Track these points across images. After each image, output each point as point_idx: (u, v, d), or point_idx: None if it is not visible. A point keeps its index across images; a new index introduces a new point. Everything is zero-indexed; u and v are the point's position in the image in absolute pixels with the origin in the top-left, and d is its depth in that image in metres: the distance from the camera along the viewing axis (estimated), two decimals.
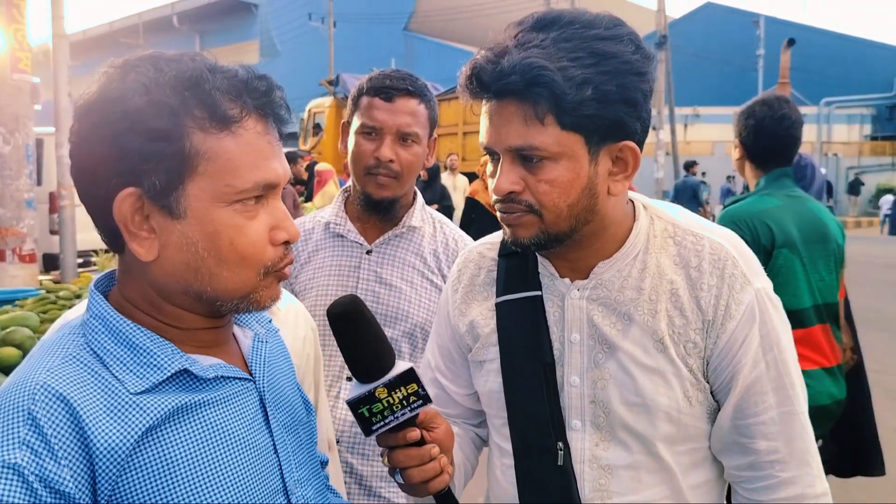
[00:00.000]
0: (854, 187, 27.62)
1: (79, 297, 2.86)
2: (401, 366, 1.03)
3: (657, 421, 1.16)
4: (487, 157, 1.18)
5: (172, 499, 0.86)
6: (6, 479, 0.77)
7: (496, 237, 1.36)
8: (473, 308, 1.33)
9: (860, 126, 34.70)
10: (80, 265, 7.44)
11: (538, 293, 1.25)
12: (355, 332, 1.02)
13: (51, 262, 7.95)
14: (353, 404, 1.01)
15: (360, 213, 1.92)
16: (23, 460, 0.78)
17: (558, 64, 1.04)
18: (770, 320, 1.15)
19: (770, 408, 1.14)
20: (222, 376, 0.95)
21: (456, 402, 1.41)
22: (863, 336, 8.40)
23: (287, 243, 0.94)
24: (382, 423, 1.02)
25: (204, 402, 0.92)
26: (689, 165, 13.41)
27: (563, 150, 1.08)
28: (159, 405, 0.88)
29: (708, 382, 1.17)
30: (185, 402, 0.90)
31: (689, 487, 1.20)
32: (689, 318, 1.15)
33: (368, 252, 1.90)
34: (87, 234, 8.07)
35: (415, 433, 1.05)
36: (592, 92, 1.04)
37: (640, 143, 1.14)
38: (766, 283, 1.19)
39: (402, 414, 1.02)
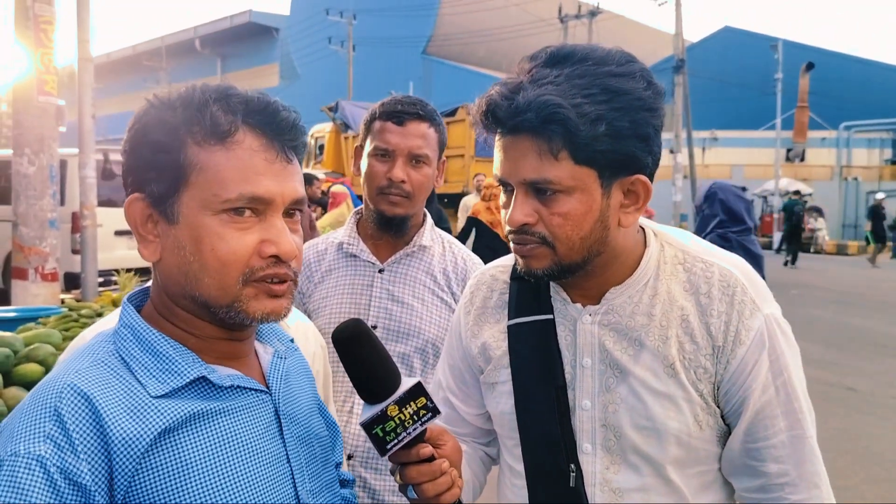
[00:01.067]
0: (875, 213, 27.35)
1: (100, 314, 2.90)
2: (408, 382, 1.04)
3: (667, 445, 1.17)
4: (492, 181, 1.21)
5: (185, 500, 0.90)
6: (30, 469, 0.84)
7: (508, 260, 1.36)
8: (486, 330, 1.35)
9: (880, 150, 34.41)
10: (101, 284, 7.54)
11: (550, 317, 1.26)
12: (361, 354, 1.03)
13: (72, 281, 8.06)
14: (367, 425, 1.02)
15: (372, 232, 1.98)
16: (46, 452, 0.84)
17: (572, 101, 1.06)
18: (779, 346, 1.17)
19: (780, 431, 1.16)
20: (239, 386, 1.00)
21: (466, 421, 1.42)
22: (884, 363, 8.32)
23: (277, 258, 0.97)
24: (396, 440, 1.03)
25: (220, 410, 0.97)
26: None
27: (577, 184, 1.10)
28: (177, 409, 0.93)
29: (718, 407, 1.18)
30: (202, 409, 0.95)
31: None
32: (699, 344, 1.17)
33: (381, 271, 1.95)
34: (108, 254, 8.20)
35: (427, 449, 1.06)
36: (606, 128, 1.06)
37: (651, 176, 1.16)
38: (775, 310, 1.20)
39: (414, 429, 1.03)
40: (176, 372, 0.95)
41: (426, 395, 1.04)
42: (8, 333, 2.49)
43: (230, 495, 0.93)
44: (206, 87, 0.98)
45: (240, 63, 49.14)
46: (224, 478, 0.93)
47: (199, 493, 0.91)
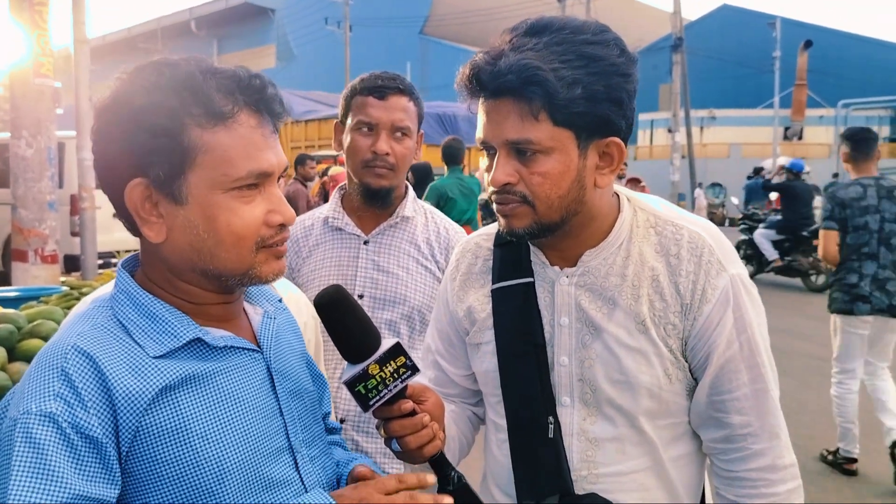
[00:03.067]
0: None
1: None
2: (388, 342, 1.11)
3: (639, 397, 1.25)
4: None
5: (185, 453, 0.97)
6: (44, 426, 0.89)
7: (492, 229, 1.44)
8: (471, 295, 1.42)
9: (878, 128, 34.34)
10: (100, 266, 7.59)
11: (531, 280, 1.33)
12: (343, 318, 1.11)
13: (71, 264, 8.12)
14: (350, 384, 1.09)
15: (357, 206, 2.05)
16: (57, 409, 0.91)
17: (551, 66, 1.12)
18: (743, 304, 1.24)
19: (743, 385, 1.23)
20: (232, 346, 1.07)
21: (455, 382, 1.50)
22: None
23: (283, 226, 1.06)
24: (378, 396, 1.09)
25: (216, 370, 1.04)
26: (757, 171, 13.33)
27: (555, 145, 1.16)
28: (175, 369, 1.00)
29: (686, 361, 1.26)
30: (199, 370, 1.02)
31: (670, 459, 1.29)
32: (668, 302, 1.24)
33: (366, 242, 2.03)
34: (107, 236, 8.23)
35: (408, 404, 1.12)
36: (582, 91, 1.13)
37: (625, 140, 1.23)
38: (741, 270, 1.27)
39: (395, 386, 1.10)
40: (172, 334, 1.02)
41: (405, 353, 1.10)
42: (11, 311, 2.55)
43: (228, 449, 1.00)
44: (193, 67, 1.00)
45: (236, 44, 48.86)
46: (222, 432, 1.00)
47: (198, 447, 0.98)
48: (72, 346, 0.96)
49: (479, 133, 1.23)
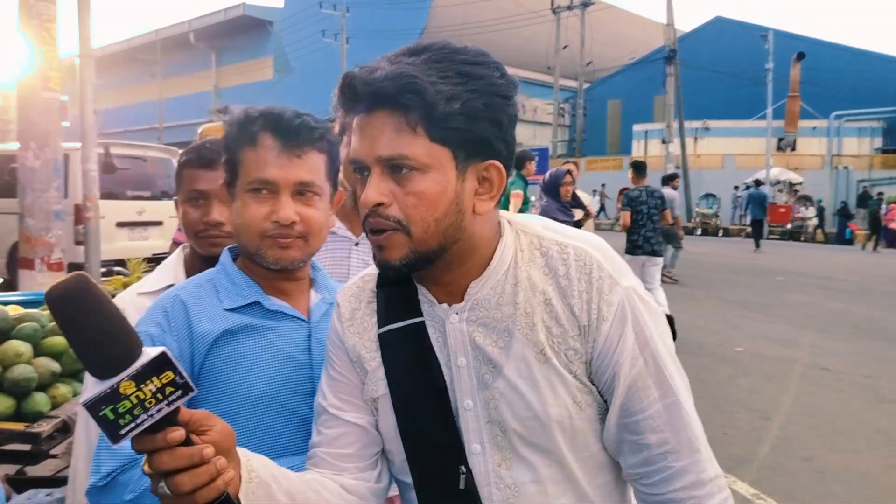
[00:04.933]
0: (863, 200, 27.68)
1: (114, 296, 3.16)
2: (150, 352, 0.87)
3: (552, 431, 1.17)
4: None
5: (234, 379, 1.38)
6: (144, 340, 1.22)
7: (373, 270, 1.33)
8: (358, 342, 1.29)
9: (871, 139, 34.72)
10: (104, 274, 7.76)
11: (421, 319, 1.24)
12: (84, 316, 0.84)
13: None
14: (92, 406, 0.84)
15: (347, 211, 2.21)
16: (154, 331, 1.39)
17: (429, 79, 1.07)
18: (641, 317, 1.17)
19: (654, 401, 1.16)
20: (283, 312, 1.46)
21: (354, 433, 1.27)
22: (859, 344, 8.64)
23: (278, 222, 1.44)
24: (133, 424, 0.85)
25: (266, 326, 1.44)
26: (671, 178, 13.47)
27: (432, 163, 1.10)
28: (236, 319, 1.43)
29: (594, 384, 1.19)
30: (253, 323, 1.43)
31: (595, 489, 1.22)
32: (565, 327, 1.17)
33: (356, 244, 2.23)
34: (109, 245, 8.42)
35: (177, 433, 0.89)
36: (461, 107, 1.08)
37: (507, 167, 1.17)
38: (633, 282, 1.21)
39: (159, 409, 0.86)
40: (241, 295, 1.45)
41: (174, 368, 0.88)
42: (35, 310, 2.74)
43: (265, 381, 1.39)
44: (251, 108, 1.48)
45: (234, 56, 49.15)
46: (262, 369, 1.40)
47: (243, 377, 1.39)
48: (175, 295, 1.44)
49: (353, 152, 1.15)
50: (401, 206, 1.11)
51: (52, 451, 2.31)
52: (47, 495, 2.66)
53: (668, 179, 13.25)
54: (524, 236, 1.24)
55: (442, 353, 1.22)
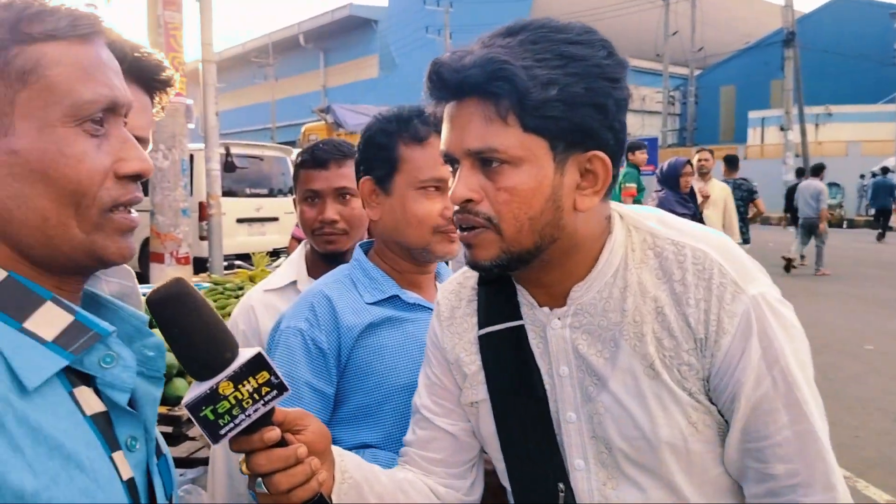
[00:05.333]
0: None
1: (241, 288, 3.32)
2: (246, 353, 0.89)
3: (662, 453, 1.05)
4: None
5: (379, 368, 1.46)
6: (294, 335, 1.46)
7: None
8: (457, 343, 1.23)
9: None
10: (226, 268, 8.18)
11: (520, 323, 1.15)
12: (184, 319, 0.86)
13: (199, 265, 8.77)
14: (194, 407, 0.87)
15: None
16: (303, 326, 1.46)
17: (523, 63, 0.97)
18: (770, 330, 1.01)
19: (783, 427, 1.01)
20: (419, 304, 1.55)
21: (445, 439, 1.25)
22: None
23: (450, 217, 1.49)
24: (232, 424, 0.88)
25: (405, 318, 1.52)
26: (818, 170, 13.21)
27: (526, 155, 1.00)
28: (379, 312, 1.51)
29: (713, 403, 1.06)
30: (394, 315, 1.52)
31: None
32: (678, 339, 1.04)
33: None
34: (230, 240, 8.87)
35: (273, 433, 0.91)
36: (558, 92, 0.97)
37: (614, 158, 1.04)
38: (763, 288, 1.05)
39: (255, 409, 0.88)
40: (380, 290, 1.53)
41: (269, 368, 0.89)
42: None
43: (405, 371, 1.46)
44: (407, 107, 1.54)
45: (341, 56, 50.40)
46: (405, 360, 1.47)
47: (389, 368, 1.47)
48: (320, 291, 1.52)
49: (442, 144, 1.08)
50: (492, 202, 1.03)
51: (190, 434, 2.45)
52: (181, 475, 2.83)
53: (817, 171, 13.23)
54: (636, 233, 1.11)
55: (543, 361, 1.13)
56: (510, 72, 0.96)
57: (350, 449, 1.24)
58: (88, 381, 0.80)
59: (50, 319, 0.77)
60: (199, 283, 3.73)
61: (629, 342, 1.06)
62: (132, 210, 0.83)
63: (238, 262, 7.65)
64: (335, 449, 1.08)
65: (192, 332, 0.86)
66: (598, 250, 1.09)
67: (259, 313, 1.95)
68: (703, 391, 1.04)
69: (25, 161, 0.75)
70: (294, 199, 2.08)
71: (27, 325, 0.76)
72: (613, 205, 1.14)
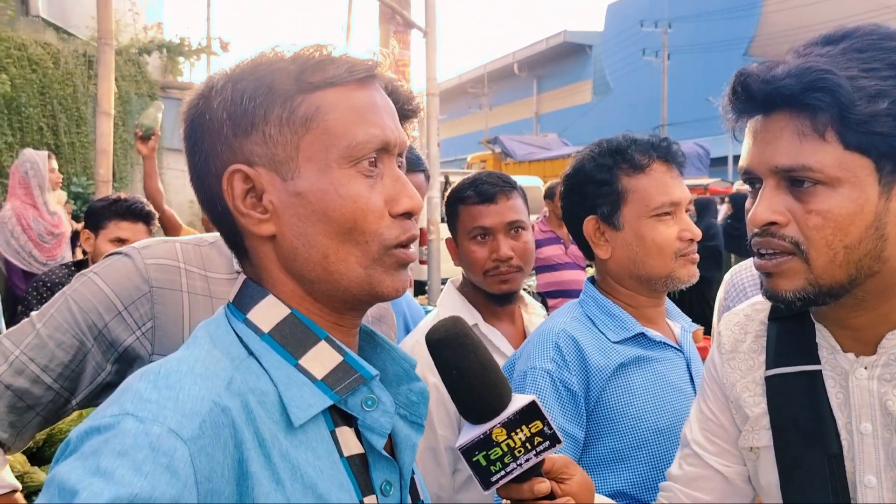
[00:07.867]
0: None
1: None
2: (520, 399, 0.87)
3: None
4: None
5: (632, 412, 1.41)
6: (542, 377, 1.40)
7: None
8: (738, 380, 1.13)
9: None
10: None
11: (817, 367, 1.03)
12: (462, 361, 0.86)
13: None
14: (467, 451, 0.86)
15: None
16: (551, 367, 1.42)
17: (847, 73, 0.88)
18: None
19: None
20: (664, 343, 1.50)
21: (716, 480, 1.17)
22: None
23: (691, 240, 1.50)
24: (503, 471, 0.86)
25: (654, 357, 1.47)
26: None
27: (845, 176, 0.90)
28: (628, 352, 1.45)
29: None
30: (643, 355, 1.46)
31: None
32: None
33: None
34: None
35: (544, 485, 0.89)
36: (889, 106, 0.87)
37: None
38: None
39: (527, 459, 0.86)
40: (625, 328, 1.49)
41: (543, 418, 0.87)
42: None
43: (656, 414, 1.41)
44: (615, 139, 1.46)
45: (554, 83, 50.80)
46: (657, 401, 1.37)
47: (640, 409, 1.41)
48: (563, 329, 1.47)
49: (742, 160, 1.00)
50: (800, 226, 0.92)
51: None
52: None
53: None
54: None
55: (841, 413, 1.01)
56: (832, 82, 0.87)
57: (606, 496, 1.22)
58: (350, 422, 0.83)
59: (322, 359, 0.80)
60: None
61: None
62: (411, 246, 0.87)
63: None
64: (599, 498, 1.05)
65: (470, 374, 0.86)
66: None
67: (419, 354, 1.85)
68: None
69: (308, 202, 0.80)
70: (447, 239, 1.97)
71: (302, 361, 0.79)
72: None
